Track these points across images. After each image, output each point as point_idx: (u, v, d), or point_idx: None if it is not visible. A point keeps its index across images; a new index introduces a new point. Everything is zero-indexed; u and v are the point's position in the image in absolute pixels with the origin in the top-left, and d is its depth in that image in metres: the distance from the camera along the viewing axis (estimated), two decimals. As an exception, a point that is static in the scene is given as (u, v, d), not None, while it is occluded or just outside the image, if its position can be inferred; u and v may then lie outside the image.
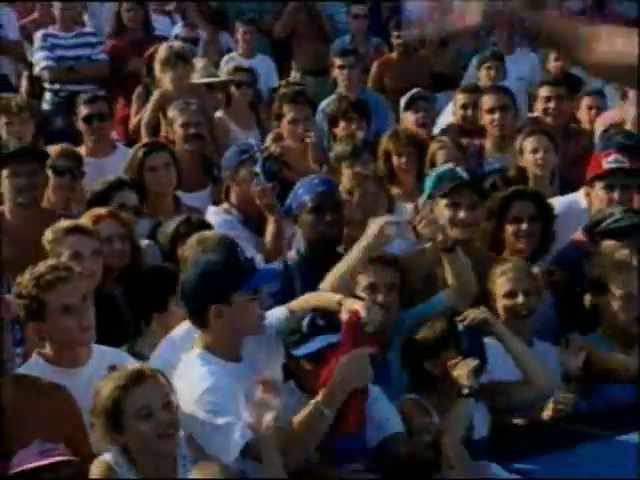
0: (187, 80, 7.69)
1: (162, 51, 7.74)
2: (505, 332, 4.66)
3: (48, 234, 4.89)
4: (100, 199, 5.60)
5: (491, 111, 7.32)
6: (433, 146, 6.81)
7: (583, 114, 8.20)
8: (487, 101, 7.42)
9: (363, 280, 4.74)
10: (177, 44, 8.15)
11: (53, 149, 6.20)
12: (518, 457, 4.34)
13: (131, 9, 9.26)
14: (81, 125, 7.07)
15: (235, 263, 4.21)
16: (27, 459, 3.61)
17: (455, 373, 4.26)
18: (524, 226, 5.45)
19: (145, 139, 7.22)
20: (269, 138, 7.50)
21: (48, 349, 4.25)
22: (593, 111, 8.09)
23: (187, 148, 6.62)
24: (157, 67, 7.69)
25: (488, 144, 7.38)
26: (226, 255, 4.35)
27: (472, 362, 4.24)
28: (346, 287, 4.54)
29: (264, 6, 11.19)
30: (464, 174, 5.65)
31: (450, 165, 5.89)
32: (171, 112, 6.98)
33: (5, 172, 5.64)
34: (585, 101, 8.27)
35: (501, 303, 4.95)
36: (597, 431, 4.67)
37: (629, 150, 6.13)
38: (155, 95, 7.54)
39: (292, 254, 5.29)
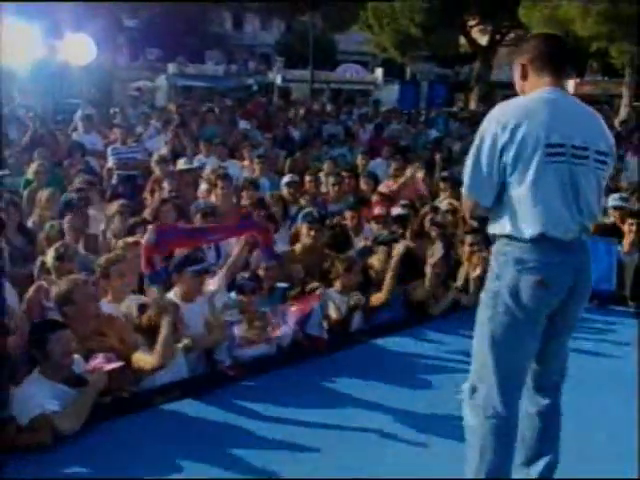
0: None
1: None
2: None
3: (120, 243, 4.75)
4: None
5: (333, 185, 7.30)
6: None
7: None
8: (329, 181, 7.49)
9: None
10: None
11: (115, 204, 5.83)
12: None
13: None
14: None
15: None
16: (99, 362, 3.47)
17: None
18: None
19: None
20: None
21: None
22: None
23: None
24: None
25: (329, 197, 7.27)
26: None
27: None
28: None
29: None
30: (315, 213, 5.87)
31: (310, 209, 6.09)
32: None
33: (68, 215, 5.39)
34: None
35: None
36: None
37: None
38: None
39: None
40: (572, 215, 2.47)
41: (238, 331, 4.23)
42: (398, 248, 5.09)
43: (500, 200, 2.53)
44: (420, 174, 7.88)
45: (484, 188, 2.52)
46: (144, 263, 4.01)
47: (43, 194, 6.14)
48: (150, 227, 4.16)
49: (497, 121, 2.46)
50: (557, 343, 2.64)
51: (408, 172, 7.84)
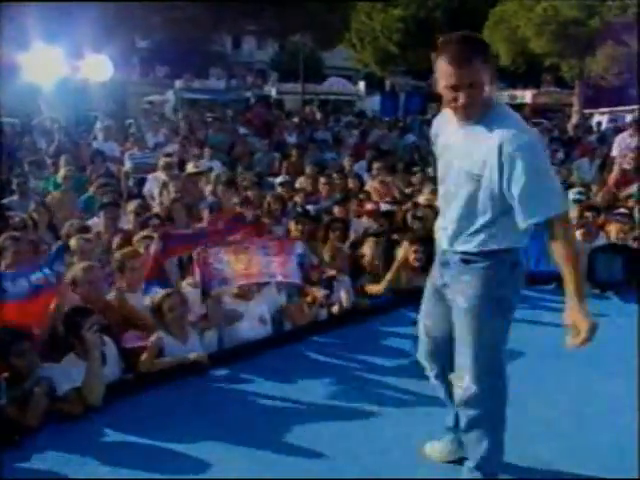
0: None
1: None
2: None
3: (137, 237, 4.60)
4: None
5: (324, 184, 7.24)
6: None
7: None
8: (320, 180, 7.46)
9: None
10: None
11: (132, 203, 5.78)
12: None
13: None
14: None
15: None
16: (133, 341, 3.47)
17: None
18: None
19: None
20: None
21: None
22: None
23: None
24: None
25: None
26: None
27: None
28: None
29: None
30: (299, 209, 5.95)
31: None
32: None
33: (102, 212, 5.40)
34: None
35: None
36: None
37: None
38: None
39: None
40: None
41: (227, 268, 3.91)
42: (400, 254, 4.86)
43: (502, 218, 2.25)
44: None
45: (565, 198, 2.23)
46: (150, 270, 3.99)
47: (64, 196, 6.12)
48: (155, 237, 4.21)
49: (540, 144, 2.29)
50: None
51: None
